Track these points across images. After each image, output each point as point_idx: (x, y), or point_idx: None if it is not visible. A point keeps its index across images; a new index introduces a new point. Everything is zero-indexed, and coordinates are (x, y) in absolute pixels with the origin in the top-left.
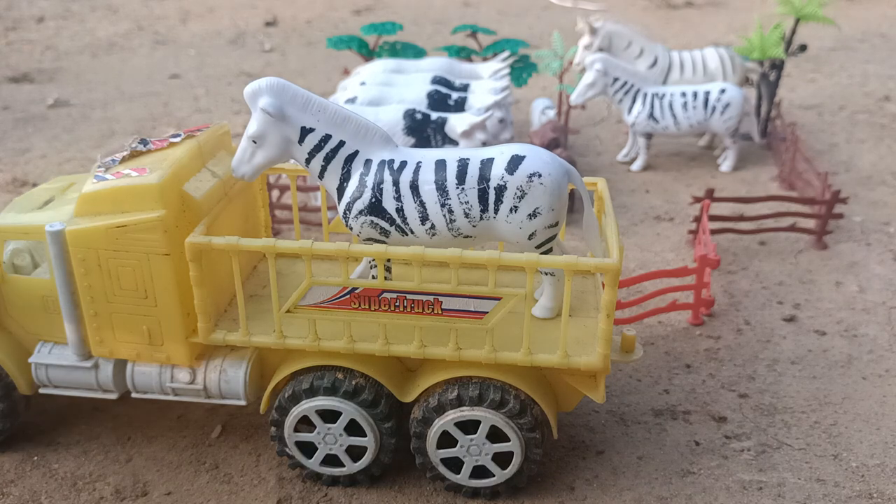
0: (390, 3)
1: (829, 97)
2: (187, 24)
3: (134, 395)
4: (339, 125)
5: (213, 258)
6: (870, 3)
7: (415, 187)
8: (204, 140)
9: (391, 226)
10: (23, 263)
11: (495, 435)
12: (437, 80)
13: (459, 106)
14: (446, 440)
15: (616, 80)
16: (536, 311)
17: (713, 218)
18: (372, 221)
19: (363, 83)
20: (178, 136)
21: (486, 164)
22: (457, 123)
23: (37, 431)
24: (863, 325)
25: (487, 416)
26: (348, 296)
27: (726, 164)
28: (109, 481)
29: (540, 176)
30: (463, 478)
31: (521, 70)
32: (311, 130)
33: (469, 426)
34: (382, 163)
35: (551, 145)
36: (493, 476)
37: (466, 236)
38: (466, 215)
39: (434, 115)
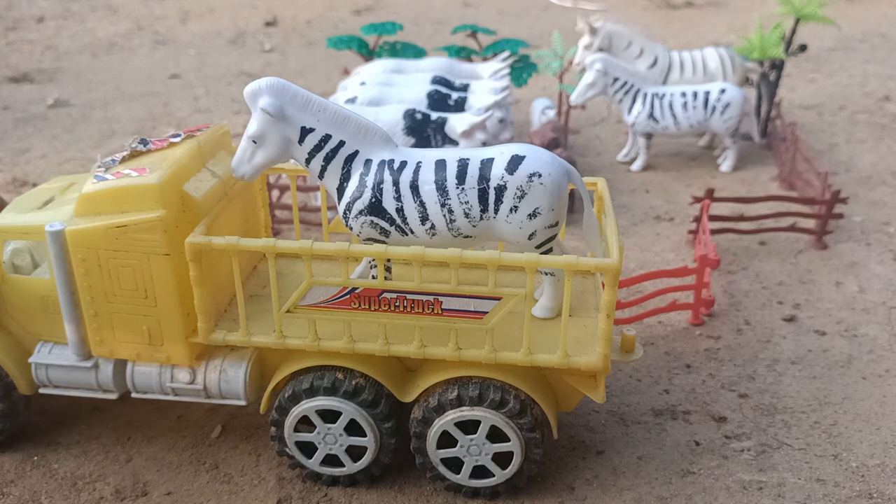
0: (390, 3)
1: (829, 97)
2: (187, 24)
3: (134, 395)
4: (339, 125)
5: (213, 258)
6: (870, 3)
7: (415, 187)
8: (204, 140)
9: (391, 226)
10: (23, 263)
11: (495, 435)
12: (437, 80)
13: (459, 106)
14: (446, 440)
15: (616, 80)
16: (536, 311)
17: (713, 218)
18: (372, 221)
19: (363, 83)
20: (178, 136)
21: (486, 164)
22: (457, 123)
23: (37, 431)
24: (863, 325)
25: (487, 416)
26: (348, 296)
27: (726, 164)
28: (109, 481)
29: (540, 176)
30: (463, 478)
31: (521, 70)
32: (311, 130)
33: (469, 426)
34: (382, 163)
35: (551, 145)
36: (493, 476)
37: (466, 236)
38: (466, 215)
39: (434, 115)
